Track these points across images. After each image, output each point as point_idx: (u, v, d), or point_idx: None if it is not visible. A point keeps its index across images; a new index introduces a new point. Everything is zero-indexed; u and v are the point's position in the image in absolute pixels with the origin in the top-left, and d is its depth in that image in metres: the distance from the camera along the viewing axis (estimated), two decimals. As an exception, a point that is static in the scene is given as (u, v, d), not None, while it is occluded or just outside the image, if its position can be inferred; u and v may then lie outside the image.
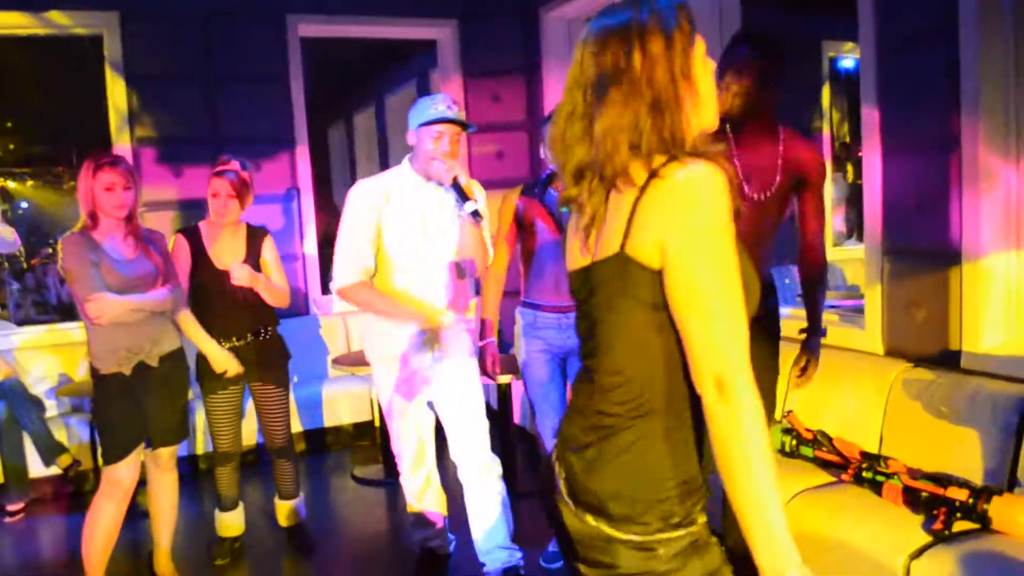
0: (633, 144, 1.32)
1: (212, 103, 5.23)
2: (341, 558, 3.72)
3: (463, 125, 2.99)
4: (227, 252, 3.53)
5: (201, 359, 3.50)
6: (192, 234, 3.53)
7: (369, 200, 3.00)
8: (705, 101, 1.37)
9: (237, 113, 5.26)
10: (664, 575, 1.35)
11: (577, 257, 1.47)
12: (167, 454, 3.27)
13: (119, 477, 3.06)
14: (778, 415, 3.55)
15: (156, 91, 5.08)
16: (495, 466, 3.12)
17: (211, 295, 3.48)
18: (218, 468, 3.62)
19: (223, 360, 3.41)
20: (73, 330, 5.00)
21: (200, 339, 3.38)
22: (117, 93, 5.00)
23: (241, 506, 3.69)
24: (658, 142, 1.31)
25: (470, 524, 3.14)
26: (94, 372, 3.08)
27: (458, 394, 3.10)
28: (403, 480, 3.28)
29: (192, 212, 5.07)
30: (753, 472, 1.22)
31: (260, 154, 5.31)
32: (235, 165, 3.50)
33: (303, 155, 5.49)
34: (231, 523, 3.67)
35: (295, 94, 5.43)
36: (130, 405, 3.08)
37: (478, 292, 3.88)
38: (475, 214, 2.86)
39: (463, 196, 2.85)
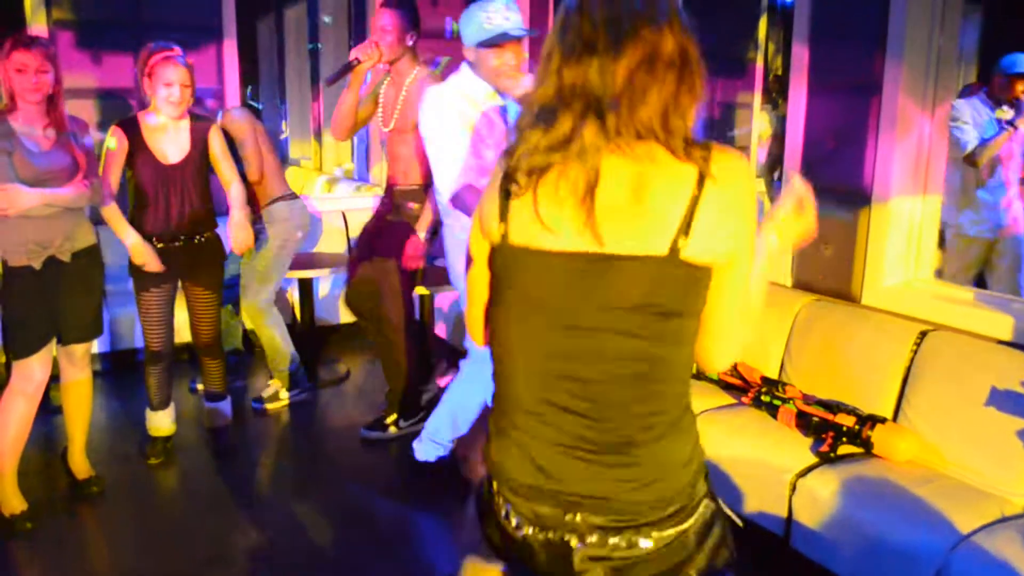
0: (662, 112, 1.19)
1: (135, -14, 4.97)
2: (266, 460, 3.79)
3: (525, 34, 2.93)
4: (170, 145, 3.39)
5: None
6: (130, 126, 3.37)
7: (460, 108, 2.90)
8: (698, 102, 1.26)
9: (162, -1, 5.01)
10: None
11: (546, 233, 1.25)
12: (81, 351, 3.23)
13: (31, 372, 3.03)
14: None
15: (74, -30, 4.79)
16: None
17: (149, 193, 3.38)
18: (148, 367, 3.59)
19: (142, 253, 3.34)
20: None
21: (122, 231, 3.32)
22: (31, -31, 4.70)
23: (172, 406, 3.67)
24: (683, 117, 1.20)
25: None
26: (2, 264, 3.00)
27: None
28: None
29: (112, 102, 4.86)
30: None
31: (184, 44, 4.99)
32: (179, 50, 3.34)
33: (231, 48, 5.28)
34: (161, 423, 3.65)
35: (224, -18, 5.19)
36: (40, 300, 3.02)
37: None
38: None
39: None
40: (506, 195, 1.29)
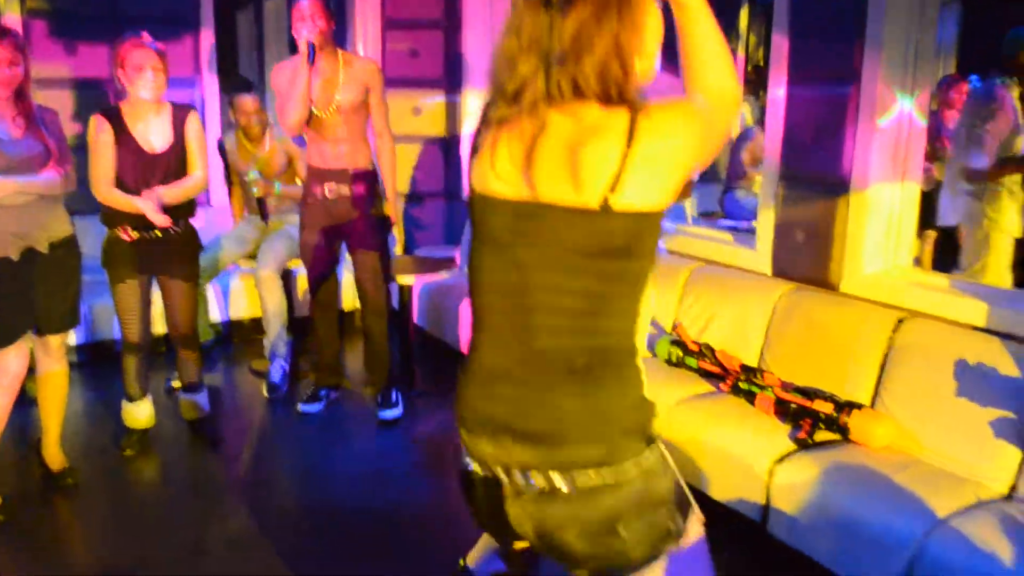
0: (602, 62, 1.24)
1: (109, -25, 4.91)
2: (245, 451, 3.75)
3: None
4: (153, 133, 3.34)
5: (108, 245, 3.39)
6: (112, 115, 3.31)
7: None
8: (651, 54, 1.33)
9: (137, -13, 4.95)
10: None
11: (497, 181, 1.33)
12: (57, 342, 3.19)
13: (7, 364, 3.00)
14: (668, 327, 3.72)
15: (48, -42, 4.72)
16: None
17: (130, 182, 3.30)
18: (125, 358, 3.54)
19: (154, 209, 3.21)
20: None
21: (129, 204, 3.24)
22: (4, -44, 4.63)
23: (149, 398, 3.63)
24: (627, 69, 1.25)
25: None
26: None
27: None
28: None
29: (86, 92, 4.80)
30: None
31: (160, 35, 4.96)
32: (148, 36, 3.30)
33: (207, 38, 5.23)
34: (138, 415, 3.61)
35: (200, -30, 5.13)
36: (16, 290, 2.98)
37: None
38: None
39: None
40: (474, 150, 1.40)
